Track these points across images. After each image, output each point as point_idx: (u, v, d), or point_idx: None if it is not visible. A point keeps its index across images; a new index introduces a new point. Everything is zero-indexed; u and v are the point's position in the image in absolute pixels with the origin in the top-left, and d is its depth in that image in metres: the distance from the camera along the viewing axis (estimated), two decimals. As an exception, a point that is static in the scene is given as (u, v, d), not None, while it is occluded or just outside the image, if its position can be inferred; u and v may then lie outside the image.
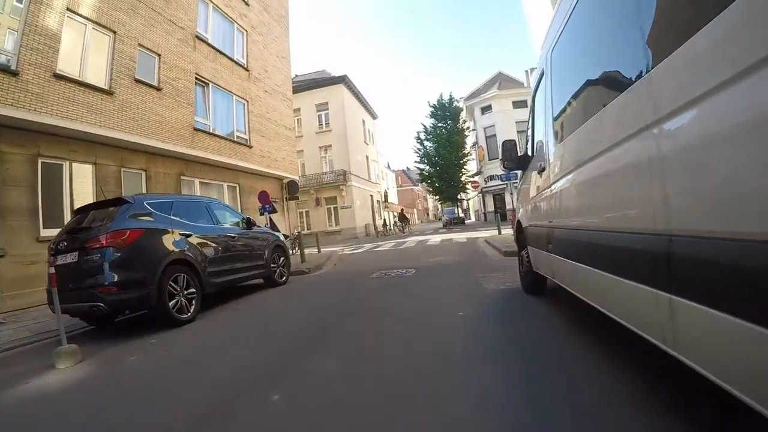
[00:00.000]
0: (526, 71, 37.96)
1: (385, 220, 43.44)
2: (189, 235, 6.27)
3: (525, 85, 37.31)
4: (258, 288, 8.55)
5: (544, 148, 3.71)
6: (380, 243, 21.35)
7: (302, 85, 36.68)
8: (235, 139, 16.55)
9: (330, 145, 33.82)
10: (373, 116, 45.11)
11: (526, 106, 33.73)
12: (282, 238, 9.84)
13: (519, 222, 5.36)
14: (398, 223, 34.18)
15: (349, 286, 7.84)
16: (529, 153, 4.77)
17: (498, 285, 6.04)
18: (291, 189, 19.55)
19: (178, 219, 6.30)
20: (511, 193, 11.59)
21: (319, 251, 17.23)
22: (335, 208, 33.03)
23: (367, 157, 39.95)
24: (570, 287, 3.20)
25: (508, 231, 17.95)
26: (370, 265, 11.01)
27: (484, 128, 36.32)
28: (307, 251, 17.75)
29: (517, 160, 4.95)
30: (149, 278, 5.31)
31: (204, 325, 5.62)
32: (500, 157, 5.44)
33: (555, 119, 3.33)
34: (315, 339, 4.22)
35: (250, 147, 17.24)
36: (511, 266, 7.88)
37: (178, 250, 5.91)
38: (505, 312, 4.56)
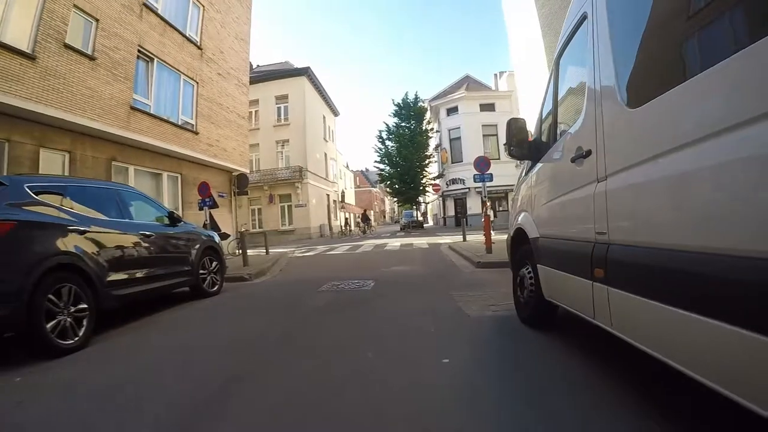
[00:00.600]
0: (495, 74, 37.67)
1: (347, 219, 42.13)
2: (84, 232, 4.73)
3: (493, 88, 36.92)
4: (183, 298, 7.09)
5: (591, 123, 2.49)
6: (335, 245, 20.02)
7: (262, 76, 34.93)
8: (180, 124, 14.80)
9: (287, 140, 32.16)
10: (335, 113, 43.63)
11: (494, 110, 33.47)
12: (217, 238, 8.37)
13: (518, 231, 4.11)
14: (361, 224, 32.97)
15: (290, 304, 6.33)
16: (543, 138, 3.57)
17: (483, 310, 4.82)
18: (240, 183, 18.03)
19: (71, 210, 4.79)
20: (485, 197, 10.28)
21: (267, 253, 15.72)
22: (289, 207, 31.37)
23: (325, 154, 38.44)
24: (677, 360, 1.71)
25: (473, 237, 17.14)
26: (321, 273, 9.74)
27: (449, 130, 35.53)
28: (254, 252, 16.28)
29: (528, 146, 3.71)
30: (17, 290, 3.76)
31: (94, 355, 4.11)
32: (504, 142, 4.16)
33: (620, 77, 2.16)
34: (215, 402, 2.75)
35: (196, 133, 15.53)
36: (489, 281, 6.88)
37: (65, 251, 4.38)
38: (510, 360, 3.19)
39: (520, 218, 4.11)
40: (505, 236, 4.91)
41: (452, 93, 36.29)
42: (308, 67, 33.05)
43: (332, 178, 41.25)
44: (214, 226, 11.72)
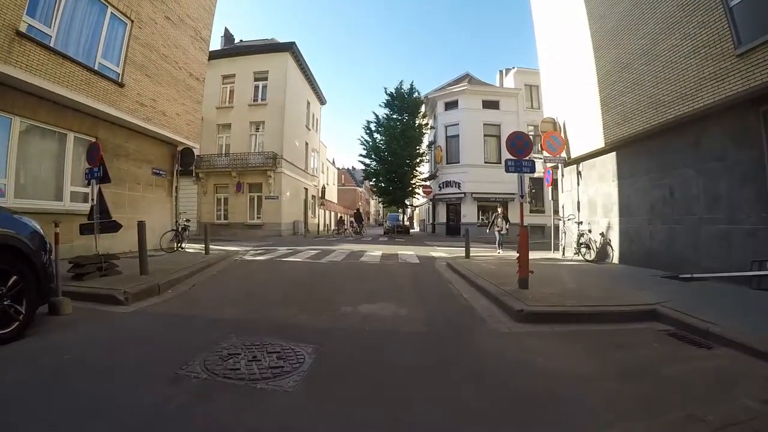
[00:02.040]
0: (501, 71, 34.02)
1: (342, 218, 38.17)
2: None
3: (497, 86, 33.31)
4: None
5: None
6: (300, 248, 16.04)
7: (241, 49, 30.92)
8: (96, 68, 10.80)
9: (263, 122, 28.05)
10: (321, 100, 39.60)
11: (498, 108, 29.70)
12: (40, 229, 4.57)
13: None
14: (354, 224, 29.08)
15: (120, 397, 2.70)
16: None
17: None
18: (185, 159, 14.04)
19: None
20: (523, 195, 6.38)
21: (206, 252, 11.79)
22: (259, 198, 27.27)
23: (306, 144, 34.37)
24: None
25: (480, 253, 13.41)
26: (241, 302, 6.13)
27: (446, 126, 31.52)
28: (194, 248, 12.41)
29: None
30: None
31: None
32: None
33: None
34: None
35: (121, 86, 11.48)
36: (568, 378, 3.27)
37: None
38: None
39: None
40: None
41: (452, 87, 32.47)
42: (293, 43, 29.02)
43: (312, 171, 37.18)
44: (103, 210, 7.76)
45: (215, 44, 35.93)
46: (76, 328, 4.56)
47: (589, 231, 11.42)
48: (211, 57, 29.51)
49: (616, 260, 10.89)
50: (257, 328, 4.53)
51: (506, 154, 23.92)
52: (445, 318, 5.29)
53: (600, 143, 11.17)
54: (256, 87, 28.86)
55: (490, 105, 30.20)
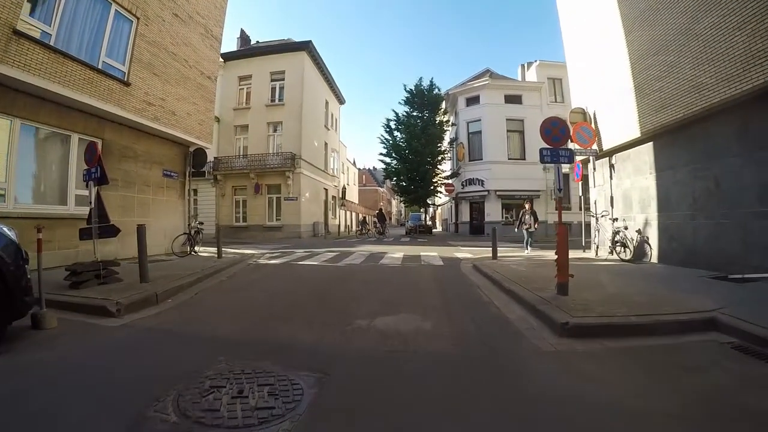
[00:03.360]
0: (522, 65, 32.91)
1: (365, 218, 37.63)
2: None
3: (519, 79, 32.25)
4: None
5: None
6: (319, 250, 15.49)
7: (257, 50, 30.62)
8: (100, 68, 10.40)
9: (281, 122, 27.66)
10: (341, 100, 39.12)
11: (521, 103, 28.59)
12: (15, 237, 4.07)
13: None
14: (377, 224, 28.46)
15: None
16: None
17: None
18: (197, 160, 13.60)
19: None
20: (558, 190, 5.56)
21: (219, 256, 11.31)
22: (278, 199, 26.87)
23: (326, 144, 33.90)
24: None
25: (507, 253, 12.61)
26: (246, 313, 5.52)
27: (468, 122, 30.53)
28: (208, 252, 12.00)
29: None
30: None
31: None
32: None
33: None
34: None
35: (127, 85, 11.08)
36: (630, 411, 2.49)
37: None
38: None
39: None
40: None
41: (472, 83, 31.49)
42: (309, 41, 28.55)
43: (332, 171, 36.71)
44: (101, 213, 7.27)
45: (231, 46, 35.97)
46: (53, 346, 4.05)
47: (625, 228, 10.51)
48: (227, 58, 29.50)
49: (654, 259, 9.98)
50: (254, 348, 3.91)
51: (531, 150, 23.13)
52: (477, 333, 4.54)
53: (635, 133, 10.27)
54: (273, 87, 28.55)
55: (513, 100, 29.14)
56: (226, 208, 27.53)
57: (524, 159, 28.54)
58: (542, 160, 6.20)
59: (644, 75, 9.88)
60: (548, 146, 6.14)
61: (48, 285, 5.17)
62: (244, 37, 34.20)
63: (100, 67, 10.38)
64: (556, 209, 6.17)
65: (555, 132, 6.15)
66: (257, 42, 35.53)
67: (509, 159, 28.63)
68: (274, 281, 8.30)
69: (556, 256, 5.57)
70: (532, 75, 31.08)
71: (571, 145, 13.70)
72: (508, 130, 28.78)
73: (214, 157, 27.11)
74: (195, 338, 4.34)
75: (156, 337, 4.47)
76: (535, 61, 30.72)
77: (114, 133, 11.14)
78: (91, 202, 7.23)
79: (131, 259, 10.70)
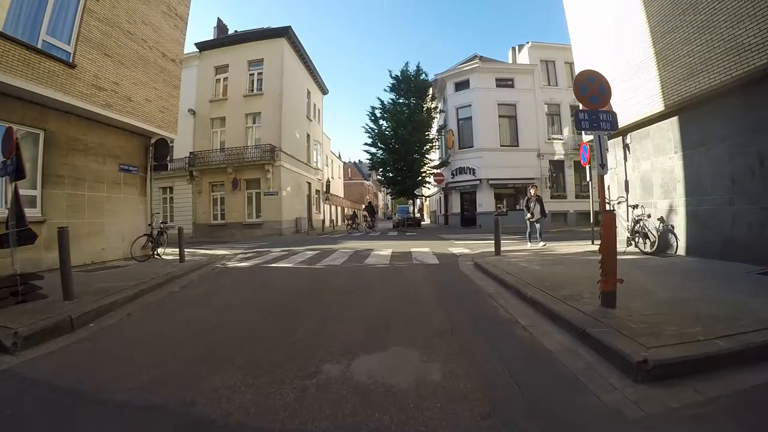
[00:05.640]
0: (513, 48, 31.55)
1: (355, 213, 36.11)
2: None
3: (510, 62, 30.89)
4: None
5: None
6: (297, 248, 14.06)
7: (234, 38, 28.86)
8: (39, 47, 8.88)
9: (259, 113, 26.05)
10: (323, 90, 37.48)
11: (512, 86, 27.19)
12: None
13: None
14: (367, 218, 27.05)
15: None
16: None
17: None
18: (158, 152, 12.08)
19: None
20: (603, 164, 4.17)
21: (181, 260, 9.90)
22: (258, 194, 25.30)
23: (308, 135, 32.31)
24: None
25: (506, 246, 11.36)
26: (170, 351, 3.83)
27: (457, 108, 29.06)
28: (175, 255, 10.59)
29: None
30: None
31: None
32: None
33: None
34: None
35: (72, 67, 9.53)
36: None
37: None
38: None
39: None
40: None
41: (462, 66, 30.01)
42: (289, 27, 26.88)
43: (315, 164, 35.13)
44: (19, 216, 5.81)
45: (208, 36, 34.09)
46: None
47: (648, 216, 9.26)
48: (203, 48, 27.80)
49: (681, 251, 8.77)
50: (158, 427, 2.53)
51: (524, 136, 21.56)
52: (514, 384, 2.96)
53: (656, 107, 9.01)
54: (251, 76, 26.93)
55: (504, 83, 27.77)
56: (204, 205, 25.92)
57: (517, 146, 27.28)
58: (578, 127, 4.80)
59: (667, 39, 8.61)
60: (585, 108, 4.77)
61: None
62: (221, 27, 32.33)
63: (39, 46, 8.86)
64: (598, 195, 4.80)
65: (593, 90, 4.78)
66: (235, 32, 33.75)
67: (501, 146, 27.24)
68: (233, 293, 6.71)
69: (600, 255, 4.26)
70: (524, 58, 29.73)
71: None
72: (499, 116, 27.40)
73: (190, 152, 25.56)
74: (79, 402, 2.85)
75: (34, 395, 2.99)
76: (527, 42, 29.38)
77: (60, 122, 9.62)
78: (6, 202, 5.78)
79: (78, 268, 9.27)
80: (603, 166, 4.64)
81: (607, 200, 10.97)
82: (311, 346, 3.83)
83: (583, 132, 11.25)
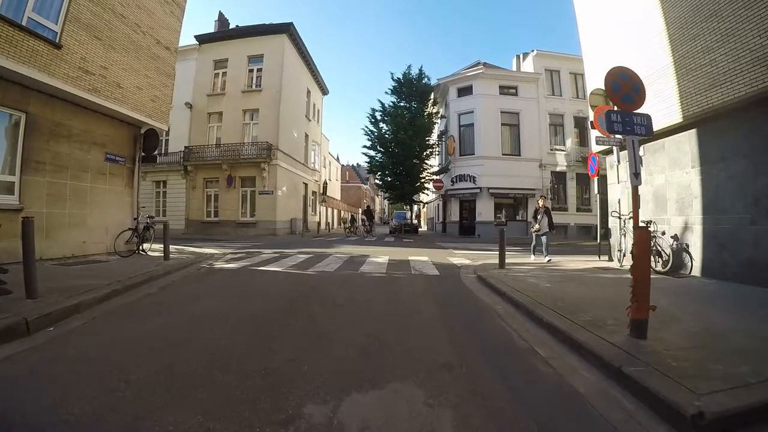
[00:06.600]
0: (518, 56, 31.13)
1: (352, 216, 35.58)
2: None
3: (514, 70, 30.41)
4: None
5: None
6: (290, 251, 13.45)
7: (234, 32, 28.28)
8: (24, 24, 8.33)
9: (257, 110, 25.47)
10: (324, 90, 36.95)
11: (516, 94, 26.82)
12: None
13: None
14: (366, 223, 26.43)
15: None
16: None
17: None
18: (148, 143, 11.52)
19: None
20: (636, 171, 3.59)
21: (166, 258, 9.34)
22: (252, 193, 24.70)
23: (306, 135, 31.75)
24: None
25: (508, 259, 10.79)
26: (129, 372, 3.15)
27: (459, 114, 28.49)
28: (160, 252, 10.04)
29: None
30: None
31: None
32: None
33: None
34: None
35: (58, 47, 8.98)
36: None
37: None
38: None
39: None
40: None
41: (465, 72, 29.44)
42: (290, 23, 26.35)
43: (313, 165, 34.54)
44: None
45: (209, 29, 33.56)
46: None
47: (663, 233, 8.73)
48: (202, 41, 27.19)
49: (696, 272, 8.26)
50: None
51: (526, 145, 20.89)
52: None
53: (674, 118, 8.52)
54: (251, 72, 26.36)
55: (508, 91, 27.26)
56: (197, 201, 25.29)
57: (519, 155, 26.72)
58: (609, 129, 4.22)
59: (688, 47, 8.14)
60: (618, 109, 4.22)
61: None
62: (222, 20, 31.76)
63: (23, 23, 8.31)
64: (632, 208, 4.19)
65: (626, 88, 4.22)
66: (237, 26, 33.20)
67: (503, 155, 26.66)
68: (213, 300, 6.05)
69: (632, 278, 3.72)
70: (528, 66, 29.24)
71: (592, 132, 11.98)
72: (502, 123, 26.85)
73: (185, 147, 24.97)
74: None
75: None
76: (532, 51, 28.92)
77: (42, 106, 9.07)
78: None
79: (56, 261, 8.70)
80: (637, 175, 4.04)
81: (618, 214, 10.46)
82: (292, 376, 3.16)
83: (594, 142, 10.78)
